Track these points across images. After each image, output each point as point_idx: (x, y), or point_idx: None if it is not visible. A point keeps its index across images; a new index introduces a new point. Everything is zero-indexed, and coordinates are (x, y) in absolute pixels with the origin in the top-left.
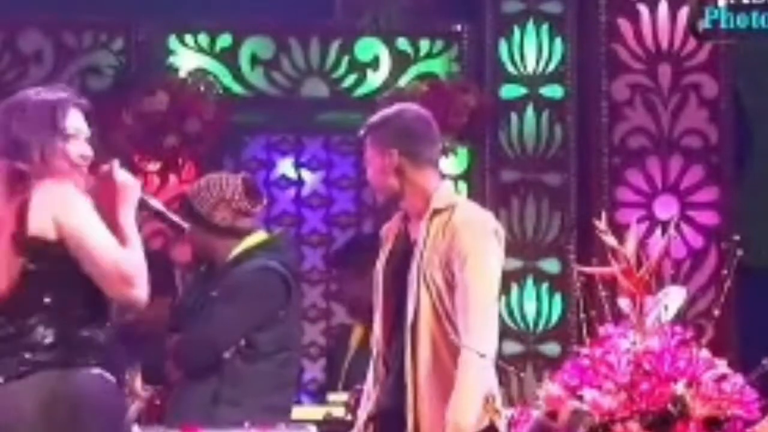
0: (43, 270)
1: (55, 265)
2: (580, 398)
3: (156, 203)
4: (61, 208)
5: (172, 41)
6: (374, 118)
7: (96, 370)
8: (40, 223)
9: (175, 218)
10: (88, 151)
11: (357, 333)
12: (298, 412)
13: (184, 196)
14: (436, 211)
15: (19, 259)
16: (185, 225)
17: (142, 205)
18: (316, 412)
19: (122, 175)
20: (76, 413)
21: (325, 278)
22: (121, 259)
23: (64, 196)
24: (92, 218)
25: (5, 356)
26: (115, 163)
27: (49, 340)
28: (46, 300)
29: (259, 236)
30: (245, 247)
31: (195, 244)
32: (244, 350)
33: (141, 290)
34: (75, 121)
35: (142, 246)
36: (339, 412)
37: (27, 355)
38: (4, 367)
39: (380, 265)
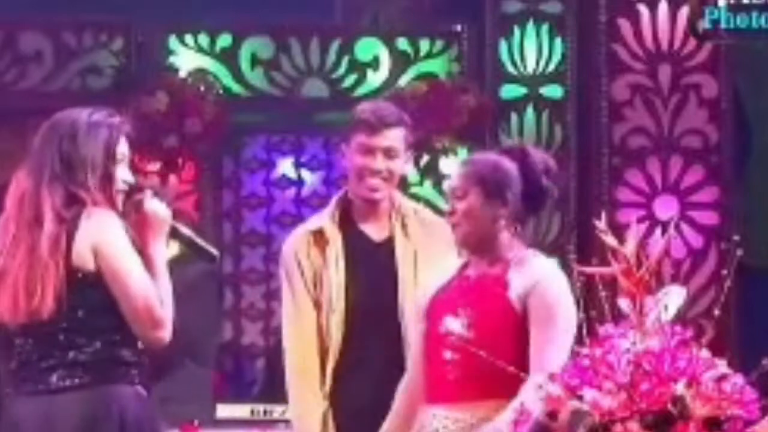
0: (84, 295)
1: (95, 291)
2: (580, 398)
3: (187, 231)
4: (101, 237)
5: (172, 41)
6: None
7: (134, 388)
8: (82, 252)
9: (207, 246)
10: (131, 178)
11: None
12: None
13: None
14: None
15: (62, 284)
16: (216, 252)
17: (174, 234)
18: None
19: (154, 205)
20: (118, 430)
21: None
22: (152, 300)
23: (105, 225)
24: (129, 251)
25: (47, 372)
26: (148, 193)
27: (88, 358)
28: (88, 321)
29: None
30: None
31: None
32: (189, 351)
33: (167, 331)
34: (123, 146)
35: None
36: None
37: (68, 372)
38: (45, 383)
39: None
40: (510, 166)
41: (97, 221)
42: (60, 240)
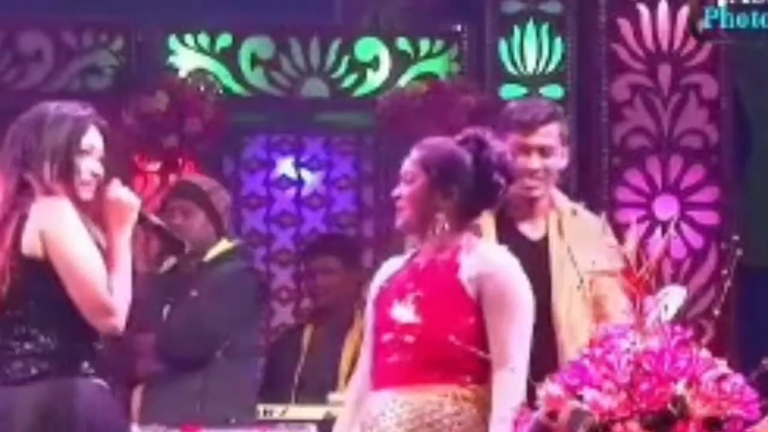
0: (37, 285)
1: (47, 281)
2: (580, 398)
3: (156, 220)
4: (48, 223)
5: (172, 41)
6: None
7: (92, 380)
8: (31, 241)
9: (176, 235)
10: (99, 169)
11: (307, 334)
12: (298, 412)
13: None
14: None
15: (15, 273)
16: (186, 242)
17: (142, 222)
18: (316, 412)
19: (117, 194)
20: (73, 422)
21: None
22: (100, 286)
23: (53, 211)
24: (79, 238)
25: (5, 362)
26: (115, 182)
27: (42, 350)
28: (40, 312)
29: (226, 242)
30: (221, 250)
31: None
32: (228, 349)
33: (118, 319)
34: (91, 138)
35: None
36: (339, 412)
37: (23, 364)
38: (3, 373)
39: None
40: (464, 157)
41: (46, 208)
42: (9, 226)
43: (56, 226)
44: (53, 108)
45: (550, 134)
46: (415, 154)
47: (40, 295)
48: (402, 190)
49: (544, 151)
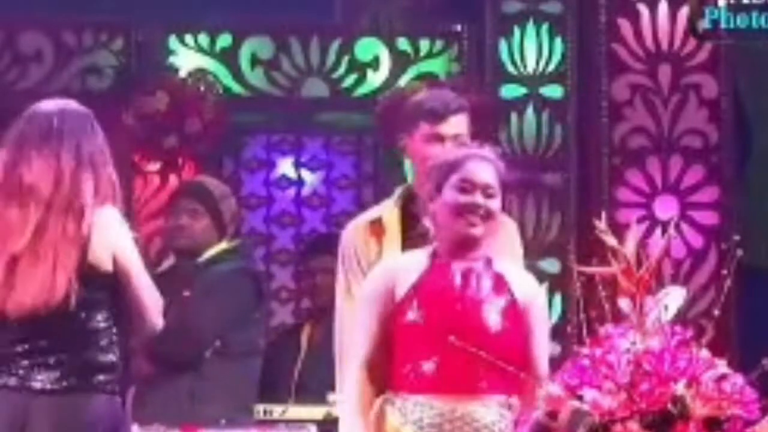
0: (99, 295)
1: (107, 292)
2: (580, 398)
3: None
4: (118, 240)
5: (172, 41)
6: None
7: (111, 396)
8: (99, 253)
9: None
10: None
11: (306, 333)
12: (298, 412)
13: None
14: None
15: (77, 283)
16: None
17: None
18: (316, 412)
19: None
20: None
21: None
22: (156, 290)
23: (119, 226)
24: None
25: (28, 369)
26: None
27: (74, 361)
28: (86, 323)
29: (224, 243)
30: (218, 251)
31: (195, 238)
32: (221, 349)
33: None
34: None
35: None
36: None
37: (52, 374)
38: (24, 379)
39: None
40: None
41: (112, 221)
42: (83, 233)
43: (122, 240)
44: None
45: (461, 123)
46: (493, 167)
47: (99, 305)
48: (488, 203)
49: (457, 140)
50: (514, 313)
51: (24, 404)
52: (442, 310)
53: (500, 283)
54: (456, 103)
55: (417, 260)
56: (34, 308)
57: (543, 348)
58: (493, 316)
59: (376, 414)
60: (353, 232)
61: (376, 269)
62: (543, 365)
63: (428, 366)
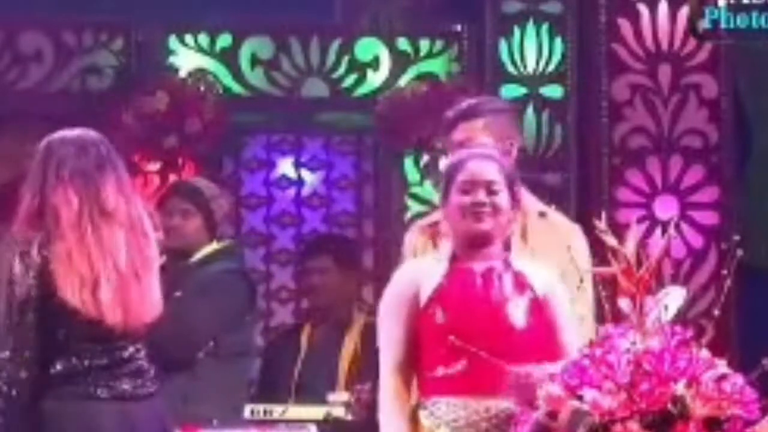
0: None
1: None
2: (580, 398)
3: None
4: None
5: (172, 41)
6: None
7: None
8: None
9: None
10: None
11: (306, 333)
12: (298, 412)
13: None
14: None
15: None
16: None
17: None
18: (316, 412)
19: None
20: None
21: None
22: None
23: None
24: None
25: (119, 379)
26: None
27: (146, 368)
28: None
29: (215, 244)
30: (209, 251)
31: (187, 238)
32: (212, 349)
33: None
34: None
35: None
36: (339, 412)
37: (141, 380)
38: (120, 389)
39: None
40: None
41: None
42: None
43: None
44: None
45: (473, 129)
46: (495, 164)
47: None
48: (493, 199)
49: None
50: (538, 309)
51: (131, 410)
52: (467, 312)
53: (521, 282)
54: (465, 107)
55: (437, 264)
56: (145, 324)
57: (571, 333)
58: (518, 314)
59: (408, 420)
60: (413, 234)
61: (397, 276)
62: (574, 350)
63: (458, 368)
